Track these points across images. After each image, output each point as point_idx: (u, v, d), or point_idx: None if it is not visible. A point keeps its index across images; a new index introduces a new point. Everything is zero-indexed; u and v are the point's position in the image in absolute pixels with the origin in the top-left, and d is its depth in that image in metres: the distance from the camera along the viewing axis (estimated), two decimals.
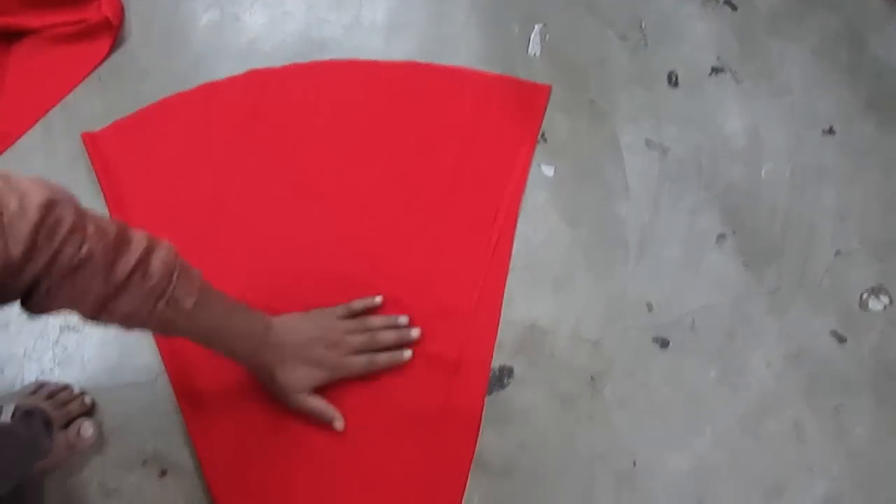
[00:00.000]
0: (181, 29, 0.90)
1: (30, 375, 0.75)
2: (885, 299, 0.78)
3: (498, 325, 0.76)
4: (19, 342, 0.75)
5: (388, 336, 0.72)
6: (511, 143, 0.83)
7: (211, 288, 0.58)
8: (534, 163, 0.82)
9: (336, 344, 0.69)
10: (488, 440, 0.72)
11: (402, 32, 0.89)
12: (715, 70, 0.88)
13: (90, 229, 0.47)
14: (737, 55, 0.89)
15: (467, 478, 0.70)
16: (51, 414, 0.69)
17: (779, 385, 0.73)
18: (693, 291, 0.77)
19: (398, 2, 0.91)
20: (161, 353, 0.74)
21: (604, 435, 0.72)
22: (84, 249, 0.46)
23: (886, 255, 0.80)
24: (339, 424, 0.70)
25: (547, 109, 0.85)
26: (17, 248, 0.42)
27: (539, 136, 0.84)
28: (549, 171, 0.82)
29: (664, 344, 0.75)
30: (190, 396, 0.72)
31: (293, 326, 0.68)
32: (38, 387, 0.73)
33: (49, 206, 0.44)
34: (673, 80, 0.86)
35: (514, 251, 0.79)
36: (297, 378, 0.67)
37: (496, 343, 0.75)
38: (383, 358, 0.72)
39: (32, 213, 0.42)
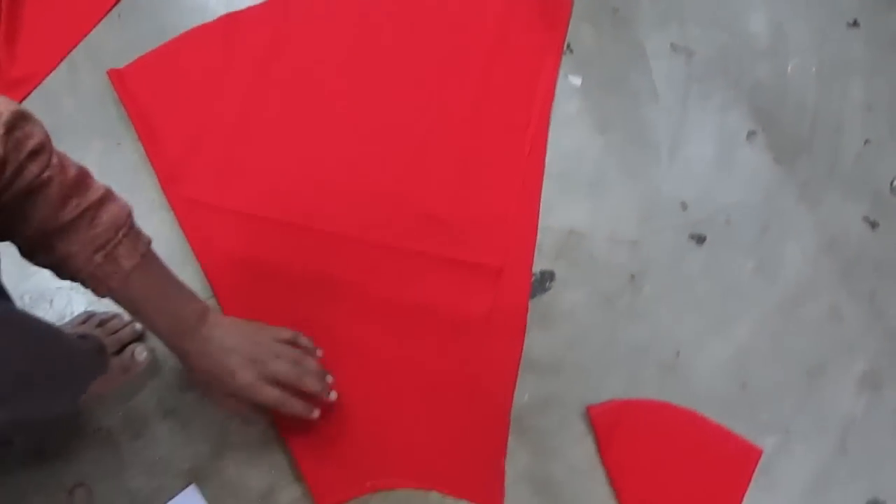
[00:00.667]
0: None
1: (78, 307, 0.76)
2: None
3: (536, 231, 0.77)
4: None
5: (314, 383, 0.64)
6: (537, 55, 0.84)
7: (157, 260, 0.56)
8: (561, 73, 0.83)
9: (256, 361, 0.61)
10: (535, 340, 0.73)
11: None
12: None
13: (54, 159, 0.48)
14: None
15: (517, 376, 0.72)
16: (103, 340, 0.71)
17: (815, 272, 0.75)
18: (726, 188, 0.78)
19: None
20: (208, 278, 0.75)
21: (646, 329, 0.74)
22: (45, 174, 0.46)
23: None
24: (259, 423, 0.66)
25: (571, 20, 0.85)
26: None
27: (565, 47, 0.84)
28: (576, 80, 0.83)
29: (700, 240, 0.77)
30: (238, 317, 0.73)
31: (228, 328, 0.62)
32: (88, 316, 0.74)
33: (19, 117, 0.45)
34: None
35: (547, 160, 0.80)
36: (212, 380, 0.61)
37: (536, 249, 0.76)
38: (297, 404, 0.62)
39: (4, 120, 0.43)
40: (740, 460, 0.69)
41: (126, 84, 0.82)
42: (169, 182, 0.78)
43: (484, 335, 0.74)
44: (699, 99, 0.81)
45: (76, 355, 0.60)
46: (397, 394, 0.72)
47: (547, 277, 0.76)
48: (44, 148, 0.47)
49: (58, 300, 0.76)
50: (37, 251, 0.50)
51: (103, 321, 0.73)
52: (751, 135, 0.80)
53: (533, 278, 0.76)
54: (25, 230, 0.48)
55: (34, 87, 0.83)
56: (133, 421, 0.71)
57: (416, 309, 0.74)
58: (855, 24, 0.84)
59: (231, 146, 0.80)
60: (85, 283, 0.53)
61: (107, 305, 0.77)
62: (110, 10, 0.86)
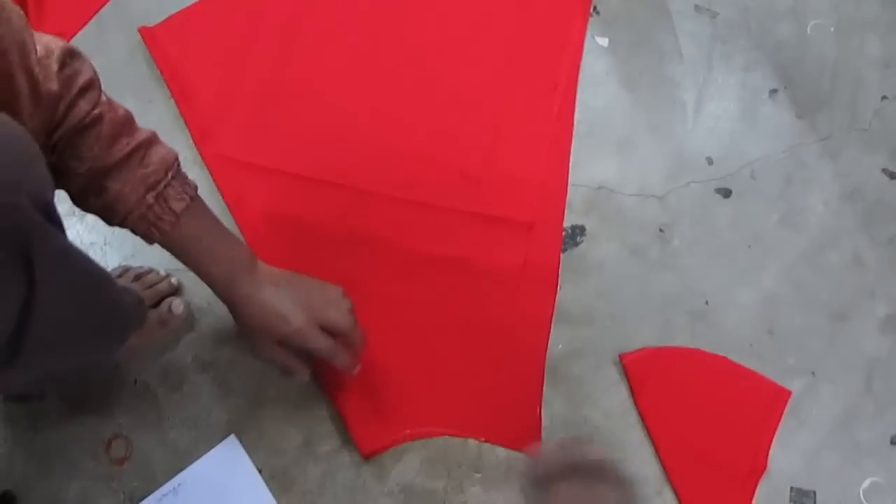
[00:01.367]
0: None
1: (112, 261, 0.76)
2: None
3: (566, 187, 0.79)
4: (98, 231, 0.76)
5: (362, 337, 0.63)
6: (564, 17, 0.85)
7: (205, 205, 0.56)
8: (588, 35, 0.84)
9: (311, 307, 0.59)
10: (567, 293, 0.75)
11: None
12: None
13: (104, 97, 0.48)
14: None
15: (550, 328, 0.74)
16: (140, 293, 0.71)
17: (837, 221, 0.77)
18: (750, 144, 0.80)
19: None
20: (243, 233, 0.75)
21: (676, 279, 0.76)
22: (96, 111, 0.47)
23: None
24: (302, 377, 0.62)
25: None
26: (53, 85, 0.44)
27: (591, 10, 0.86)
28: (603, 41, 0.85)
29: (727, 194, 0.79)
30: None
31: (279, 274, 0.60)
32: (124, 271, 0.74)
33: (69, 54, 0.46)
34: None
35: (576, 119, 0.81)
36: (263, 326, 0.58)
37: (567, 205, 0.78)
38: (345, 357, 0.61)
39: (56, 56, 0.44)
40: (770, 402, 0.71)
41: (158, 42, 0.82)
42: (202, 139, 0.79)
43: (517, 288, 0.75)
44: (723, 58, 0.83)
45: (121, 306, 0.59)
46: (434, 346, 0.73)
47: (577, 232, 0.77)
48: (93, 84, 0.48)
49: (92, 255, 0.76)
50: (88, 193, 0.50)
51: (139, 275, 0.73)
52: (773, 92, 0.83)
53: (564, 233, 0.77)
54: (78, 168, 0.48)
55: None
56: (170, 374, 0.71)
57: (450, 264, 0.75)
58: None
59: (263, 104, 0.81)
60: (136, 228, 0.52)
61: (141, 262, 0.77)
62: None
